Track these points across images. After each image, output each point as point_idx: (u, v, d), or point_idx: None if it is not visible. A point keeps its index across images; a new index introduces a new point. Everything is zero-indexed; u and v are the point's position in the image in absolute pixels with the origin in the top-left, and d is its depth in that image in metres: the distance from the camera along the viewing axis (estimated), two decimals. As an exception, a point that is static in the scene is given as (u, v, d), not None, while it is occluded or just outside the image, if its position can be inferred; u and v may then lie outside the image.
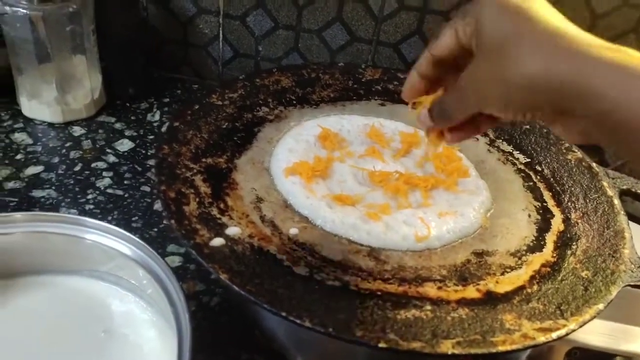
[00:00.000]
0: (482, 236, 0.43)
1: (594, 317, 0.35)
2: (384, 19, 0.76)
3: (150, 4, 0.79)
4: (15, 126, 0.69)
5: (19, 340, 0.42)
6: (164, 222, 0.58)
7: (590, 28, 0.72)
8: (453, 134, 0.37)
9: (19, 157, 0.64)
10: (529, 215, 0.46)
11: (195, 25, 0.79)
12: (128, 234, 0.42)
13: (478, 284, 0.38)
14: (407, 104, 0.51)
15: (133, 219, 0.58)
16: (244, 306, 0.48)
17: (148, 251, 0.41)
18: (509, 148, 0.54)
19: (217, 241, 0.37)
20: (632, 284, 0.38)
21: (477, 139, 0.55)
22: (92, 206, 0.59)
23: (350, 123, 0.55)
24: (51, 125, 0.70)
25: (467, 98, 0.33)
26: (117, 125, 0.72)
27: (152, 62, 0.81)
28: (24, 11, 0.63)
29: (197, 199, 0.41)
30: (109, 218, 0.58)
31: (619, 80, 0.26)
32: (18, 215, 0.41)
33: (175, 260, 0.54)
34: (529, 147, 0.53)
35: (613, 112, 0.26)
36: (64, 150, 0.66)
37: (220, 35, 0.80)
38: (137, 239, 0.41)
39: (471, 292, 0.37)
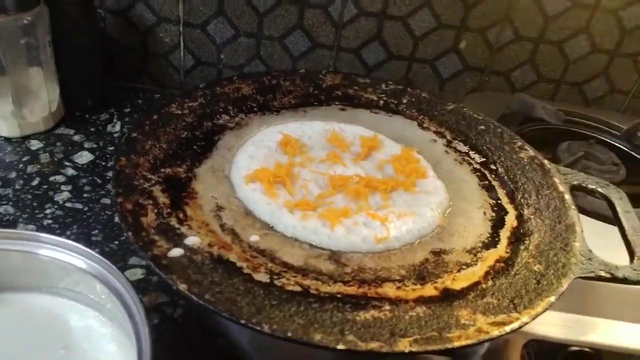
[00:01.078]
0: (440, 235, 0.44)
1: (546, 309, 0.36)
2: (343, 25, 0.77)
3: (108, 13, 0.78)
4: (-31, 141, 0.67)
5: (-24, 361, 0.41)
6: (125, 234, 0.57)
7: (544, 30, 0.75)
8: None
9: (-27, 173, 0.62)
10: (485, 213, 0.47)
11: (155, 34, 0.79)
12: (84, 248, 0.41)
13: (435, 282, 0.39)
14: (367, 108, 0.52)
15: (93, 232, 0.58)
16: (206, 316, 0.48)
17: (106, 265, 0.41)
18: (465, 148, 0.55)
19: (176, 252, 0.37)
20: (582, 275, 0.40)
21: (435, 141, 0.56)
22: (50, 221, 0.58)
23: (311, 128, 0.55)
24: (7, 139, 0.68)
25: None
26: (76, 138, 0.70)
27: (112, 73, 0.80)
28: (-25, 24, 0.62)
29: (156, 210, 0.40)
30: (68, 232, 0.57)
31: None
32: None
33: (137, 273, 0.54)
34: (484, 147, 0.55)
35: None
36: (21, 165, 0.65)
37: (181, 44, 0.79)
38: (94, 253, 0.41)
39: (429, 290, 0.38)
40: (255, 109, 0.57)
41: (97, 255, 0.40)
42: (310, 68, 0.80)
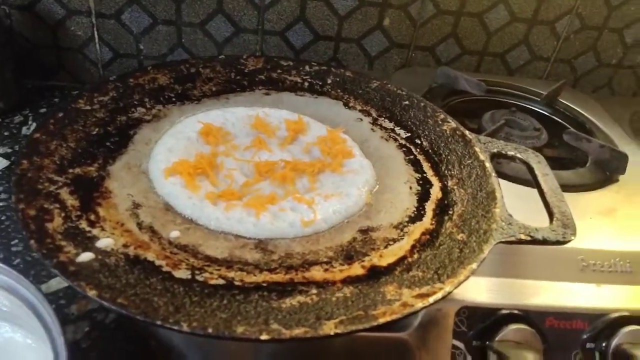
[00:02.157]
0: (368, 213, 0.44)
1: (469, 276, 0.37)
2: (265, 7, 0.75)
3: (13, 9, 0.72)
4: None
5: None
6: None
7: (464, 3, 0.76)
8: None
9: None
10: (410, 188, 0.47)
11: (67, 27, 0.74)
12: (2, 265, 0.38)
13: (363, 261, 0.39)
14: (292, 91, 0.50)
15: (13, 242, 0.54)
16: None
17: (16, 277, 0.38)
18: (391, 125, 0.55)
19: (85, 256, 0.35)
20: (503, 240, 0.41)
21: (361, 120, 0.56)
22: (-38, 236, 0.53)
23: (234, 115, 0.54)
24: None
25: None
26: (-13, 144, 0.65)
27: (24, 71, 0.74)
28: None
29: (63, 214, 0.38)
30: (-17, 245, 0.52)
31: None
32: None
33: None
34: (409, 122, 0.55)
35: None
36: None
37: (96, 36, 0.75)
38: (4, 266, 0.38)
39: (356, 269, 0.38)
40: (174, 99, 0.55)
41: (5, 267, 0.37)
42: (237, 54, 0.78)
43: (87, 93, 0.50)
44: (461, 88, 0.68)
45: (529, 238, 0.41)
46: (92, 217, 0.39)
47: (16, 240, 0.54)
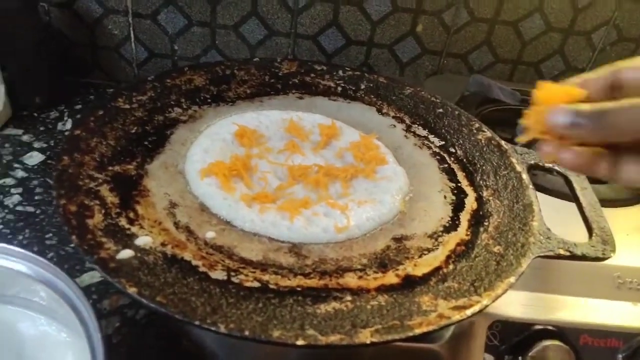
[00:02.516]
0: (401, 221, 0.44)
1: (506, 290, 0.36)
2: (299, 11, 0.75)
3: (53, 7, 0.74)
4: None
5: None
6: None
7: (498, 11, 0.75)
8: (571, 156, 0.30)
9: None
10: (445, 197, 0.47)
11: (104, 26, 0.75)
12: (30, 254, 0.39)
13: (397, 269, 0.38)
14: (325, 96, 0.50)
15: (47, 236, 0.55)
16: (168, 318, 0.46)
17: (54, 271, 0.39)
18: (424, 132, 0.55)
19: (125, 253, 0.35)
20: (541, 254, 0.40)
21: (394, 126, 0.56)
22: (0, 226, 0.55)
23: (268, 118, 0.54)
24: (-53, 142, 0.64)
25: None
26: (25, 138, 0.67)
27: (61, 68, 0.76)
28: None
29: (103, 211, 0.38)
30: (20, 237, 0.54)
31: None
32: None
33: (96, 275, 0.52)
34: (443, 130, 0.55)
35: None
36: (-37, 169, 0.61)
37: (132, 36, 0.76)
38: (41, 259, 0.39)
39: (390, 277, 0.38)
40: (209, 100, 0.55)
41: (43, 260, 0.38)
42: (268, 56, 0.78)
43: (126, 92, 0.51)
44: (495, 97, 0.68)
45: (567, 253, 0.40)
46: (131, 214, 0.39)
47: (50, 234, 0.55)
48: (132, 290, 0.32)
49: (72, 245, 0.54)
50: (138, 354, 0.47)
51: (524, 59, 0.81)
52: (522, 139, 0.34)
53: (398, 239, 0.42)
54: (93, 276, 0.52)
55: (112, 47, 0.77)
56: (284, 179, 0.47)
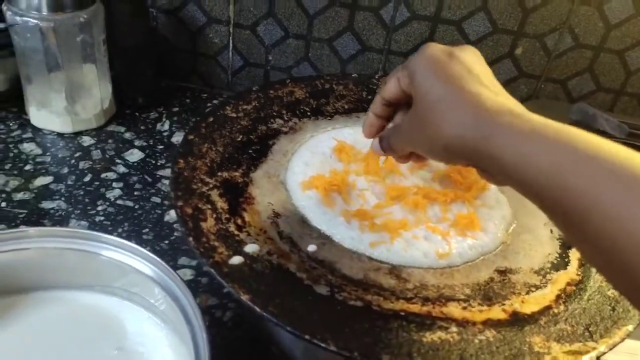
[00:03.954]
0: (505, 253, 0.42)
1: (624, 338, 0.34)
2: (395, 28, 0.75)
3: (160, 13, 0.78)
4: (24, 136, 0.69)
5: (30, 357, 0.41)
6: (175, 234, 0.57)
7: (605, 38, 0.72)
8: (401, 160, 0.42)
9: (27, 167, 0.63)
10: (551, 231, 0.45)
11: (205, 34, 0.79)
12: (143, 250, 0.41)
13: (504, 304, 0.37)
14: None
15: (144, 231, 0.58)
16: (258, 321, 0.47)
17: (163, 267, 0.40)
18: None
19: (236, 259, 0.36)
20: (660, 303, 0.37)
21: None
22: (102, 218, 0.58)
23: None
24: (60, 135, 0.69)
25: (402, 140, 0.39)
26: (127, 135, 0.71)
27: (162, 71, 0.80)
28: (35, 21, 0.63)
29: (214, 215, 0.40)
30: (120, 230, 0.57)
31: (512, 142, 0.29)
32: (32, 230, 0.41)
33: (187, 274, 0.54)
34: (548, 161, 0.52)
35: (511, 171, 0.29)
36: (73, 161, 0.65)
37: (230, 45, 0.79)
38: (153, 255, 0.41)
39: (497, 312, 0.36)
40: (309, 113, 0.56)
41: (157, 258, 0.40)
42: (359, 71, 0.79)
43: (234, 101, 0.53)
44: (599, 127, 0.64)
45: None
46: (239, 221, 0.40)
47: (147, 229, 0.58)
48: (245, 297, 0.33)
49: (166, 241, 0.57)
50: (224, 355, 0.48)
51: (628, 89, 0.76)
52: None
53: (502, 272, 0.40)
54: (184, 274, 0.54)
55: (210, 54, 0.81)
56: (381, 197, 0.47)
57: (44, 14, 0.63)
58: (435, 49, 0.35)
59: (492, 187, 0.48)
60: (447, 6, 0.73)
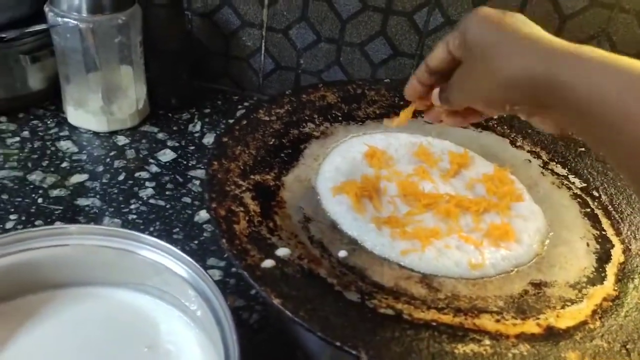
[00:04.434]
0: (539, 265, 0.42)
1: (665, 359, 0.33)
2: (428, 33, 0.75)
3: (195, 16, 0.79)
4: (61, 134, 0.71)
5: (63, 350, 0.42)
6: (205, 235, 0.58)
7: (646, 46, 0.69)
8: (450, 118, 0.42)
9: (64, 165, 0.65)
10: (588, 244, 0.44)
11: (238, 37, 0.80)
12: (178, 251, 0.41)
13: (538, 318, 0.36)
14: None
15: (174, 230, 0.58)
16: (284, 325, 0.47)
17: (196, 269, 0.41)
18: (564, 171, 0.52)
19: (268, 263, 0.36)
20: (703, 323, 0.36)
21: (530, 161, 0.53)
22: (134, 216, 0.59)
23: (397, 141, 0.54)
24: (96, 134, 0.71)
25: (460, 92, 0.38)
26: (160, 136, 0.72)
27: (195, 73, 0.81)
28: (75, 22, 0.65)
29: (247, 218, 0.40)
30: (151, 229, 0.58)
31: (581, 69, 0.29)
32: (72, 227, 0.42)
33: (216, 274, 0.54)
34: (585, 171, 0.51)
35: (578, 99, 0.29)
36: (108, 159, 0.67)
37: (262, 48, 0.80)
38: (187, 257, 0.41)
39: (531, 326, 0.36)
40: (340, 118, 0.56)
41: (190, 260, 0.40)
42: (390, 76, 0.78)
43: (266, 104, 0.53)
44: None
45: None
46: (271, 224, 0.41)
47: (177, 229, 0.59)
48: (276, 301, 0.33)
49: (195, 242, 0.57)
50: (250, 358, 0.48)
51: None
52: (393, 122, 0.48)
53: (536, 285, 0.40)
54: (212, 274, 0.54)
55: (243, 57, 0.81)
56: (413, 205, 0.47)
57: (84, 15, 0.65)
58: (486, 9, 0.36)
59: (527, 198, 0.48)
60: (481, 12, 0.72)
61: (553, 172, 0.52)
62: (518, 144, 0.55)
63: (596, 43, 0.71)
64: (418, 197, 0.46)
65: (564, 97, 0.30)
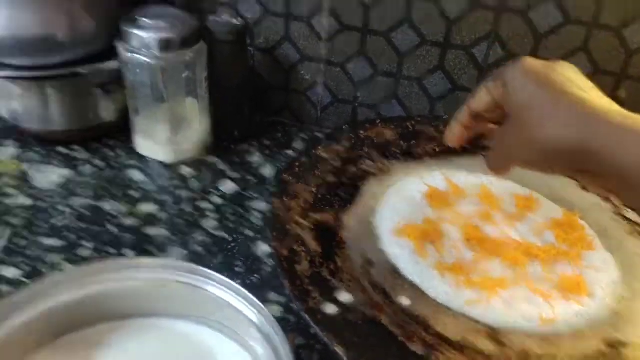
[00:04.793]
0: (615, 322, 0.39)
1: None
2: (488, 67, 0.73)
3: (257, 52, 0.82)
4: (131, 163, 0.74)
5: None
6: (265, 269, 0.58)
7: None
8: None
9: (133, 193, 0.68)
10: (669, 301, 0.41)
11: (298, 71, 0.82)
12: (244, 290, 0.42)
13: (616, 382, 0.34)
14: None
15: (236, 263, 0.59)
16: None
17: (260, 308, 0.41)
18: (638, 218, 0.49)
19: (330, 307, 0.36)
20: None
21: (600, 205, 0.51)
22: (199, 248, 0.61)
23: (458, 180, 0.53)
24: (162, 164, 0.74)
25: (500, 157, 0.39)
26: (222, 167, 0.75)
27: (257, 107, 0.84)
28: (145, 59, 0.68)
29: (309, 258, 0.40)
30: (215, 261, 0.59)
31: (624, 141, 0.29)
32: (143, 261, 0.43)
33: (275, 310, 0.54)
34: (662, 219, 0.48)
35: (618, 168, 0.29)
36: (173, 189, 0.70)
37: (321, 82, 0.81)
38: (252, 297, 0.41)
39: (608, 390, 0.33)
40: (398, 155, 0.56)
41: (255, 299, 0.40)
42: (449, 111, 0.77)
43: (325, 141, 0.54)
44: None
45: None
46: (332, 266, 0.41)
47: (239, 263, 0.59)
48: (339, 349, 0.33)
49: (256, 275, 0.58)
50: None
51: None
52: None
53: (612, 345, 0.37)
54: (272, 310, 0.54)
55: (301, 90, 0.83)
56: (477, 250, 0.45)
57: (154, 52, 0.69)
58: (531, 60, 0.35)
59: (598, 246, 0.45)
60: (543, 47, 0.70)
61: (625, 218, 0.49)
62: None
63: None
64: (482, 242, 0.45)
65: (602, 165, 0.30)
